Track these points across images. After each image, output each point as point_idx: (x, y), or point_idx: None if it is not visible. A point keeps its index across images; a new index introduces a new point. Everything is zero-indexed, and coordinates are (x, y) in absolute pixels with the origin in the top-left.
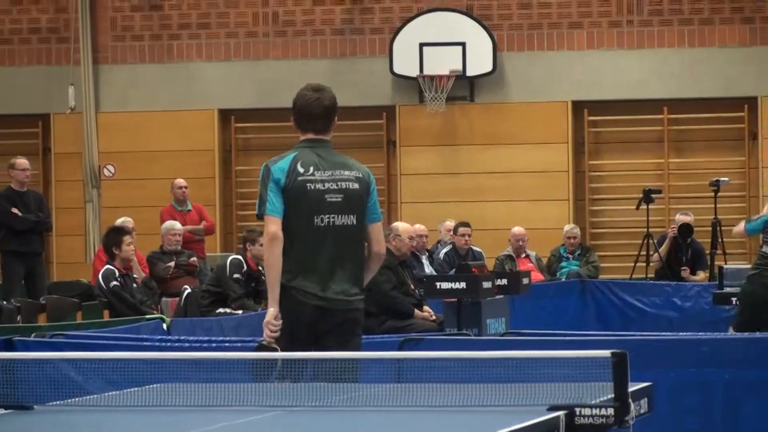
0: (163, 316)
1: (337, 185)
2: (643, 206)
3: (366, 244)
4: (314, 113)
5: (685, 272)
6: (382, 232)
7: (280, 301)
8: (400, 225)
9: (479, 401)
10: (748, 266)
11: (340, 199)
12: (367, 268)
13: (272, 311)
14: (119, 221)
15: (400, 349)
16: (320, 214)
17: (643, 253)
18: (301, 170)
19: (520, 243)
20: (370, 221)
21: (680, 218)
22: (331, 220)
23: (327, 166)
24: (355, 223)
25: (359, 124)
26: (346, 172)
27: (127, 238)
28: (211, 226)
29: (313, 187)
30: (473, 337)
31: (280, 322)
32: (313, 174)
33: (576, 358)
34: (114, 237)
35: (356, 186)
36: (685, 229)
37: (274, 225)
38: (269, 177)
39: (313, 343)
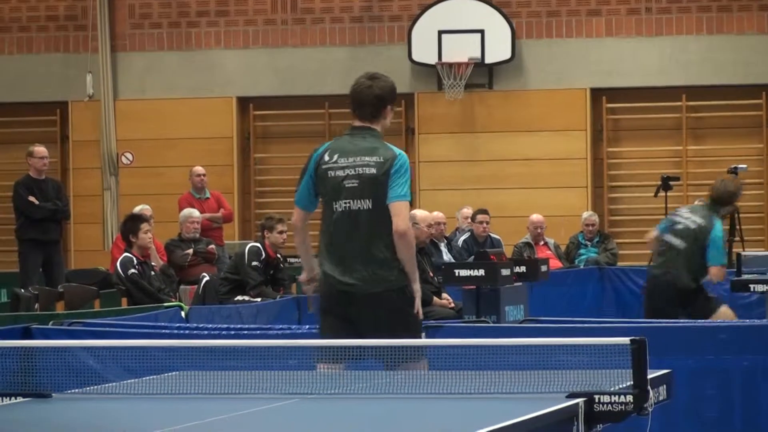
0: (182, 304)
1: (355, 171)
2: (662, 193)
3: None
4: (363, 101)
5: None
6: (405, 210)
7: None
8: (418, 213)
9: (498, 388)
10: (767, 253)
11: (356, 184)
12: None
13: (303, 276)
14: (137, 209)
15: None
16: (339, 200)
17: None
18: (327, 158)
19: (539, 230)
20: (389, 201)
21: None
22: (348, 205)
23: (353, 153)
24: (371, 207)
25: None
26: (367, 158)
27: (144, 226)
28: (229, 214)
29: (333, 174)
30: (492, 325)
31: (311, 286)
32: (336, 161)
33: (595, 345)
34: (131, 225)
35: (373, 171)
36: None
37: (294, 214)
38: (307, 165)
39: (347, 326)
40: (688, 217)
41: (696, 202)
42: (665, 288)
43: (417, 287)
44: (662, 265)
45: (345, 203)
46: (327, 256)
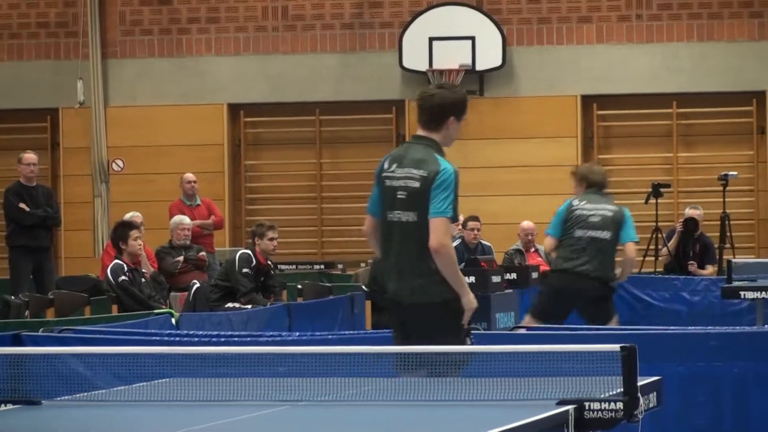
0: (172, 311)
1: (404, 182)
2: (652, 200)
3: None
4: (424, 109)
5: (692, 267)
6: (441, 226)
7: None
8: None
9: (488, 395)
10: (758, 260)
11: (404, 196)
12: None
13: None
14: (127, 216)
15: None
16: (392, 210)
17: (652, 247)
18: (386, 166)
19: (529, 237)
20: (429, 216)
21: (689, 212)
22: (398, 216)
23: (406, 163)
24: (416, 220)
25: (369, 119)
26: (414, 170)
27: (134, 233)
28: (220, 221)
29: (389, 184)
30: (482, 332)
31: None
32: (394, 171)
33: (585, 352)
34: (121, 232)
35: (417, 185)
36: (692, 223)
37: (365, 222)
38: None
39: (401, 334)
40: (597, 207)
41: (574, 198)
42: (592, 285)
43: (468, 300)
44: (591, 262)
45: (397, 214)
46: (383, 265)
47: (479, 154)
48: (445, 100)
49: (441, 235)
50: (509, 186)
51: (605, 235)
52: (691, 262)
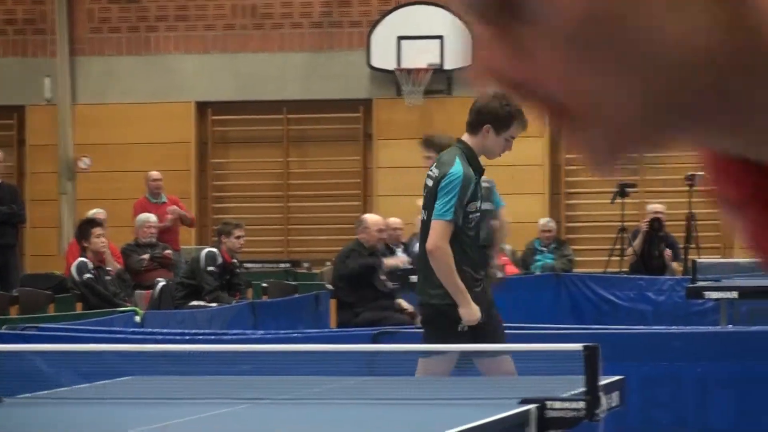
0: (137, 309)
1: (428, 182)
2: (618, 200)
3: None
4: (469, 111)
5: (668, 254)
6: (438, 228)
7: None
8: (368, 217)
9: (451, 394)
10: (722, 260)
11: (425, 195)
12: None
13: None
14: (90, 213)
15: (373, 341)
16: (423, 209)
17: (618, 246)
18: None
19: None
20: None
21: (652, 207)
22: (423, 214)
23: (436, 164)
24: (426, 218)
25: (336, 117)
26: (434, 170)
27: (96, 230)
28: (192, 219)
29: (425, 183)
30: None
31: None
32: (432, 170)
33: (548, 352)
34: (84, 229)
35: (431, 184)
36: (657, 223)
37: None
38: None
39: None
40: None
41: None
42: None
43: (467, 311)
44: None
45: (424, 213)
46: None
47: None
48: (484, 108)
49: (436, 237)
50: None
51: (489, 206)
52: (667, 250)
